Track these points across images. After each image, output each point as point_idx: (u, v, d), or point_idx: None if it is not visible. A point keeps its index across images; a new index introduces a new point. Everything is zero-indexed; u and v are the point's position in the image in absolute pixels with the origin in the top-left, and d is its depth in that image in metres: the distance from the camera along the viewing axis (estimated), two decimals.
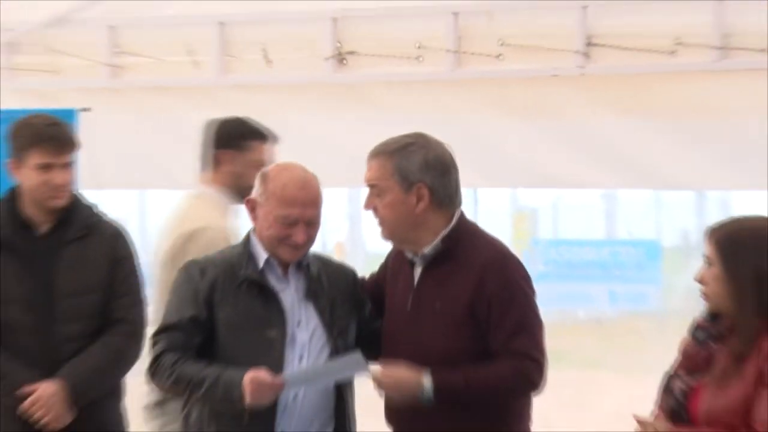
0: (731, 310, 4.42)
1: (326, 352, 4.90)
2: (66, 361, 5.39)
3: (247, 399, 4.63)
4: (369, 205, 4.86)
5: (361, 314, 5.04)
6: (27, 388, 5.31)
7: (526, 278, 4.85)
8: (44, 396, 5.31)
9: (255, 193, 4.97)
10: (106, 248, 5.50)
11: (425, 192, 4.77)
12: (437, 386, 4.66)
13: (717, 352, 4.44)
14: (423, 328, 4.79)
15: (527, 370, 4.72)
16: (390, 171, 4.79)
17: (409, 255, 4.85)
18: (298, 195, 4.92)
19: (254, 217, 4.98)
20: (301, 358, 4.88)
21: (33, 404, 5.29)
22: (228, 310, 4.92)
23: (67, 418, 5.35)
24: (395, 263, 5.01)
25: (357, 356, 4.72)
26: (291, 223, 4.88)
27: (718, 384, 4.38)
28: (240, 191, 5.68)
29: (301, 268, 4.98)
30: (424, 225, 4.80)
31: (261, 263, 4.94)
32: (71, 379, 5.35)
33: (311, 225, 4.93)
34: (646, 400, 4.59)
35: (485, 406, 4.77)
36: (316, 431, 4.89)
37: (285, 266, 4.98)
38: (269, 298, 4.92)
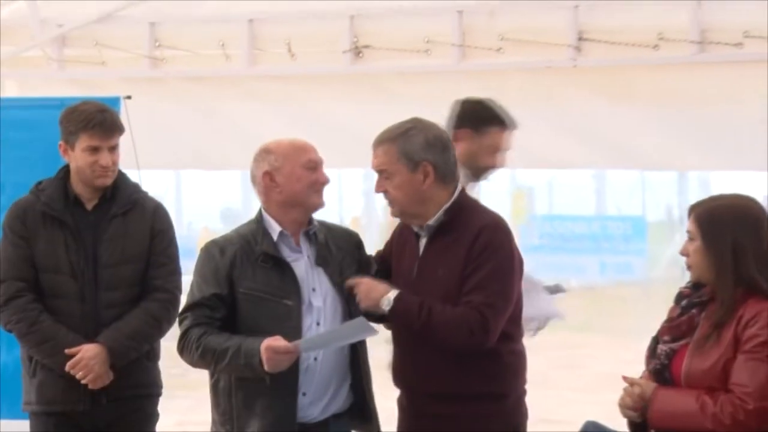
0: (712, 280, 4.42)
1: (340, 314, 4.90)
2: (107, 325, 5.37)
3: (266, 366, 4.62)
4: (380, 188, 4.83)
5: (368, 274, 4.97)
6: (70, 350, 5.31)
7: (510, 249, 4.78)
8: (86, 357, 5.30)
9: (266, 167, 4.89)
10: (147, 222, 5.48)
11: (430, 169, 4.75)
12: (396, 300, 4.68)
13: (699, 319, 4.43)
14: (426, 294, 4.75)
15: (471, 321, 4.64)
16: (396, 155, 4.77)
17: (415, 228, 4.84)
18: (305, 143, 4.95)
19: (276, 186, 4.87)
20: (318, 323, 4.86)
21: (76, 365, 5.29)
22: (247, 283, 4.88)
23: (106, 378, 5.34)
24: (401, 237, 4.99)
25: (362, 321, 4.68)
26: (314, 167, 4.90)
27: (698, 348, 4.37)
28: (473, 171, 5.61)
29: (309, 237, 4.95)
30: (431, 200, 4.78)
31: (275, 236, 4.91)
32: (111, 342, 5.33)
33: (322, 168, 4.96)
34: (632, 362, 4.61)
35: (476, 363, 4.74)
36: (335, 387, 4.88)
37: (296, 237, 4.94)
38: (285, 270, 4.87)
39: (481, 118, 5.67)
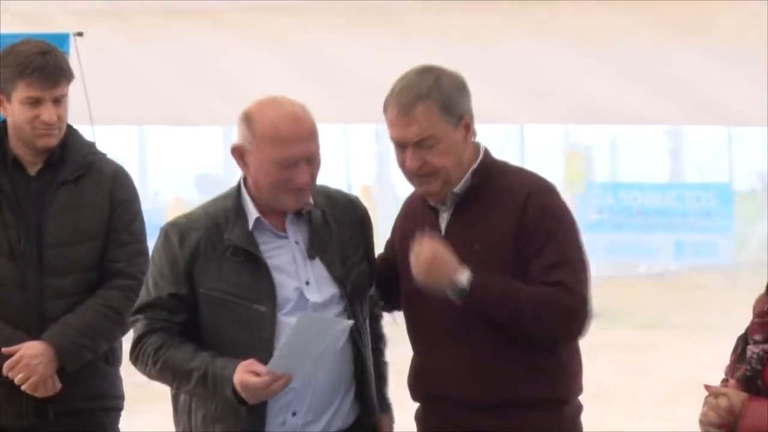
0: None
1: (340, 307, 4.87)
2: (55, 320, 5.40)
3: (246, 399, 4.67)
4: (417, 161, 4.73)
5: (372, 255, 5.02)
6: (7, 349, 5.32)
7: (567, 208, 4.81)
8: (27, 356, 5.31)
9: (239, 138, 4.84)
10: (105, 190, 5.48)
11: (469, 121, 4.77)
12: (476, 279, 4.62)
13: None
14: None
15: (568, 301, 4.68)
16: (437, 113, 4.71)
17: (431, 203, 4.82)
18: (291, 131, 4.79)
19: (244, 166, 4.85)
20: None
21: (14, 365, 5.31)
22: (210, 283, 4.84)
23: (52, 385, 5.37)
24: (406, 224, 4.96)
25: (346, 325, 4.72)
26: (290, 165, 4.77)
27: None
28: None
29: (300, 217, 4.91)
30: (463, 161, 4.80)
31: (251, 223, 4.86)
32: (59, 339, 5.35)
33: (312, 162, 4.82)
34: (713, 366, 4.63)
35: (529, 363, 4.74)
36: (339, 400, 4.89)
37: (281, 220, 4.91)
38: (258, 266, 4.83)
39: None
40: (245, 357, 4.69)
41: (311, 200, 4.89)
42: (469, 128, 4.77)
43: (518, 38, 6.28)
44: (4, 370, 5.31)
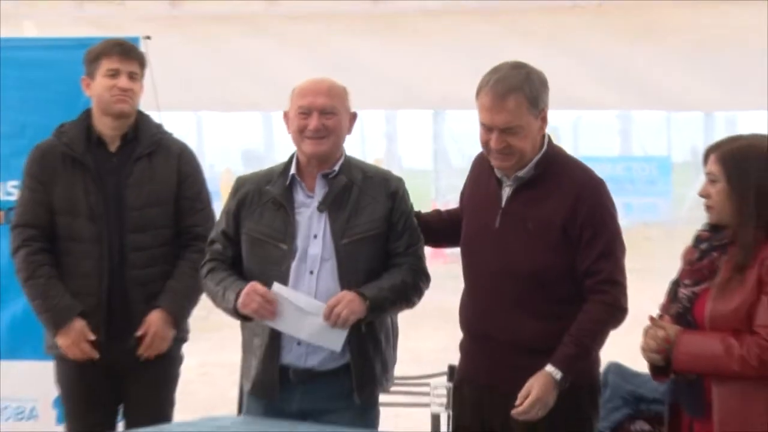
0: (733, 223, 4.41)
1: (333, 261, 4.81)
2: (137, 268, 5.40)
3: (239, 306, 4.69)
4: (501, 143, 4.58)
5: (396, 229, 4.86)
6: (139, 332, 5.36)
7: (614, 205, 4.73)
8: (154, 327, 5.37)
9: (287, 106, 4.88)
10: (173, 165, 5.48)
11: (546, 113, 4.67)
12: (564, 373, 4.51)
13: (719, 262, 4.44)
14: (512, 246, 4.64)
15: (615, 298, 4.61)
16: (526, 106, 4.58)
17: (498, 174, 4.70)
18: (310, 87, 4.81)
19: (288, 128, 4.87)
20: (311, 272, 4.79)
21: (147, 343, 5.37)
22: (250, 224, 4.87)
23: (170, 342, 5.44)
24: (473, 184, 4.88)
25: (341, 337, 4.69)
26: (305, 112, 4.77)
27: (721, 291, 4.38)
28: None
29: (328, 181, 4.85)
30: (536, 146, 4.68)
31: (288, 180, 4.85)
32: (172, 307, 5.41)
33: (325, 114, 4.77)
34: (656, 303, 4.60)
35: (564, 317, 4.63)
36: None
37: (311, 181, 4.85)
38: (288, 215, 4.82)
39: None
40: (265, 286, 4.75)
41: (336, 167, 4.84)
42: (545, 120, 4.66)
43: (504, 40, 6.27)
44: (141, 351, 5.37)
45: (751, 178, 4.39)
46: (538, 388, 4.48)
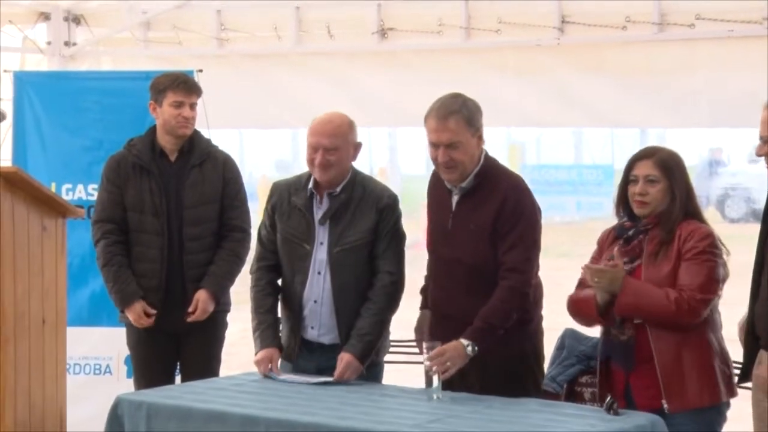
0: (662, 213, 4.43)
1: (327, 265, 4.77)
2: (191, 254, 5.39)
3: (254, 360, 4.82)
4: (446, 157, 4.55)
5: (381, 239, 4.79)
6: (193, 306, 5.36)
7: (534, 207, 4.65)
8: (202, 303, 5.36)
9: None
10: (219, 171, 5.46)
11: (481, 132, 4.62)
12: (474, 344, 4.46)
13: (644, 242, 4.44)
14: (460, 243, 4.60)
15: (517, 283, 4.55)
16: (464, 125, 4.55)
17: (448, 186, 4.65)
18: (317, 128, 4.73)
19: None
20: (319, 272, 4.78)
21: (196, 310, 5.36)
22: (281, 225, 4.85)
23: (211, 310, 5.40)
24: (435, 191, 4.79)
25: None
26: (314, 148, 4.72)
27: (651, 263, 4.40)
28: None
29: (331, 198, 4.79)
30: (474, 160, 4.63)
31: (308, 193, 4.81)
32: (214, 287, 5.38)
33: (329, 151, 4.69)
34: None
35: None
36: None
37: (321, 195, 4.81)
38: (309, 221, 4.79)
39: None
40: (293, 276, 4.81)
41: (339, 188, 4.79)
42: (481, 138, 4.62)
43: (483, 72, 6.24)
44: (189, 319, 5.38)
45: (683, 178, 4.46)
46: (449, 349, 4.45)
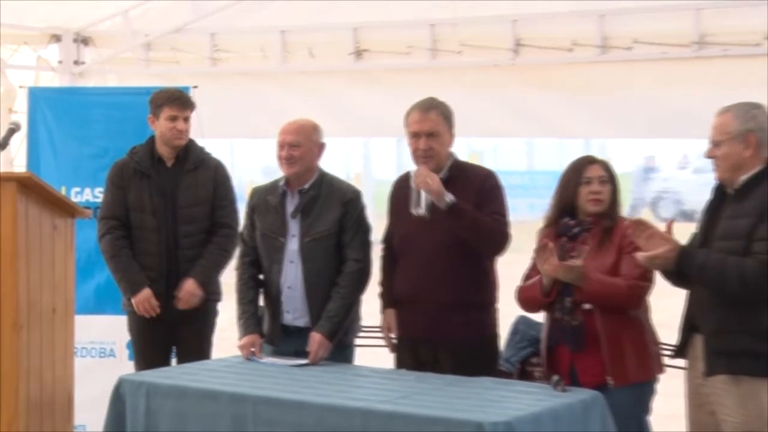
0: (606, 211, 4.49)
1: (299, 254, 4.77)
2: (184, 250, 5.35)
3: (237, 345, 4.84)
4: (426, 145, 4.56)
5: (348, 230, 4.80)
6: (179, 289, 5.31)
7: (500, 186, 4.70)
8: (189, 289, 5.31)
9: None
10: (211, 175, 5.45)
11: (454, 134, 4.66)
12: (456, 200, 4.49)
13: (588, 239, 4.47)
14: (439, 229, 4.54)
15: (500, 229, 4.58)
16: (443, 119, 4.61)
17: (416, 215, 4.57)
18: (284, 128, 4.82)
19: None
20: (291, 261, 4.78)
21: (181, 300, 5.32)
22: (259, 224, 4.87)
23: (199, 297, 5.36)
24: (399, 195, 4.77)
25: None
26: (281, 145, 4.78)
27: (594, 256, 4.41)
28: None
29: (301, 195, 4.81)
30: (447, 155, 4.67)
31: (281, 190, 4.85)
32: (201, 277, 5.34)
33: (293, 147, 4.75)
34: None
35: (475, 278, 4.63)
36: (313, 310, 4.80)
37: (292, 191, 4.82)
38: (283, 216, 4.80)
39: None
40: (271, 266, 4.81)
41: (308, 185, 4.81)
42: (453, 136, 4.66)
43: (448, 89, 6.21)
44: (177, 305, 5.33)
45: (617, 183, 4.56)
46: (438, 182, 4.50)
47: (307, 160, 4.83)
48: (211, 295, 5.45)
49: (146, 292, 5.32)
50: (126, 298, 5.41)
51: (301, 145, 4.79)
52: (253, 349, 4.79)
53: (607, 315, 4.35)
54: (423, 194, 4.51)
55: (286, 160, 4.78)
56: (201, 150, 5.54)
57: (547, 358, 4.56)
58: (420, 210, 4.51)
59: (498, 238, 4.58)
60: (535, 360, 4.80)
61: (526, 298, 4.56)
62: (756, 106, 4.09)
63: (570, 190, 4.56)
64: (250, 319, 4.85)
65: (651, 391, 4.49)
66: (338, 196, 4.83)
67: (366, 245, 4.86)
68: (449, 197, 4.48)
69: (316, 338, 4.69)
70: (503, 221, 4.62)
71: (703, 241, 4.14)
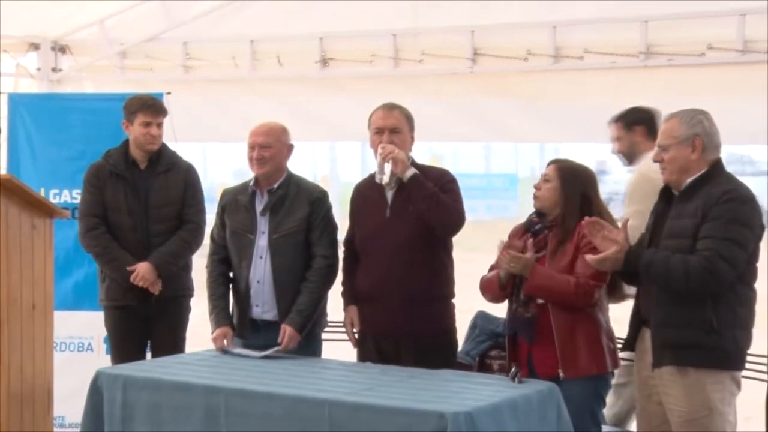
0: (555, 212, 4.45)
1: (268, 250, 4.75)
2: (157, 246, 5.32)
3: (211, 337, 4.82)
4: (388, 141, 4.56)
5: (314, 226, 4.79)
6: (130, 267, 5.25)
7: (456, 182, 4.67)
8: (143, 272, 5.25)
9: None
10: (181, 177, 5.42)
11: (413, 136, 4.69)
12: (416, 173, 4.52)
13: (548, 237, 4.46)
14: (401, 226, 4.56)
15: (458, 211, 4.58)
16: (405, 119, 4.64)
17: (380, 182, 4.58)
18: (255, 130, 4.80)
19: None
20: (261, 257, 4.77)
21: (136, 277, 5.24)
22: (229, 222, 4.86)
23: (157, 285, 5.29)
24: (360, 198, 4.77)
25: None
26: (252, 147, 4.77)
27: (553, 255, 4.42)
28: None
29: (270, 194, 4.80)
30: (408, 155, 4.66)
31: (251, 190, 4.83)
32: (157, 261, 5.28)
33: (263, 148, 4.74)
34: None
35: (434, 270, 4.63)
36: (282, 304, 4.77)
37: (262, 191, 4.81)
38: (253, 214, 4.79)
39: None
40: (240, 262, 4.79)
41: (276, 184, 4.79)
42: (413, 139, 4.67)
43: (409, 96, 6.23)
44: (132, 280, 5.25)
45: (578, 186, 4.45)
46: (403, 156, 4.54)
47: (276, 161, 4.82)
48: (182, 289, 5.43)
49: (141, 267, 5.26)
50: (122, 282, 5.30)
51: (272, 146, 4.78)
52: (225, 340, 4.76)
53: (560, 309, 4.36)
54: (387, 168, 4.51)
55: (257, 160, 4.77)
56: (173, 153, 5.52)
57: (509, 347, 4.57)
58: (384, 177, 4.50)
59: (455, 217, 4.58)
60: (493, 353, 4.82)
61: (486, 288, 4.57)
62: (701, 112, 4.13)
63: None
64: (221, 313, 4.84)
65: (605, 384, 4.47)
66: (305, 195, 4.83)
67: (334, 243, 4.85)
68: (412, 170, 4.52)
69: (287, 330, 4.68)
70: (460, 204, 4.62)
71: (651, 240, 4.18)
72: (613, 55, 6.00)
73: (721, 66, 5.72)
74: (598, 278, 4.33)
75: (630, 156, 5.56)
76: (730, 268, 3.91)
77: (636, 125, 5.46)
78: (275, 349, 4.66)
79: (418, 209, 4.53)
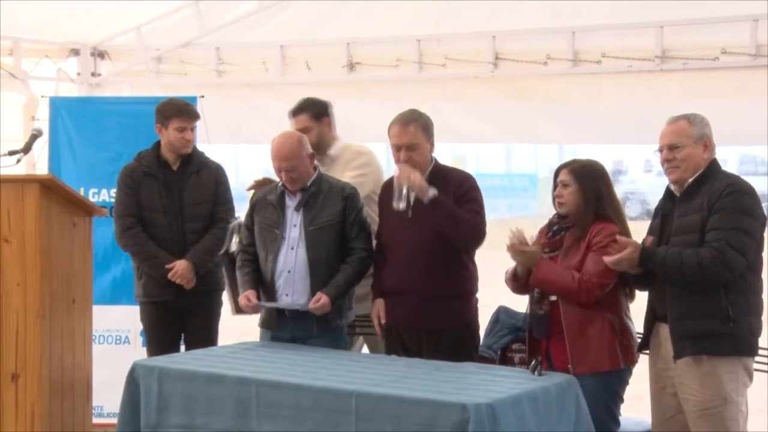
0: (577, 213, 4.42)
1: (303, 240, 4.76)
2: (191, 244, 5.35)
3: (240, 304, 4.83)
4: (406, 157, 4.55)
5: (346, 221, 4.80)
6: (169, 265, 5.29)
7: (478, 188, 4.68)
8: (182, 269, 5.29)
9: None
10: (212, 177, 5.45)
11: (433, 142, 4.66)
12: (439, 193, 4.50)
13: (564, 237, 4.46)
14: (423, 226, 4.56)
15: (478, 224, 4.57)
16: (421, 131, 4.58)
17: (396, 209, 4.58)
18: (275, 153, 4.75)
19: None
20: (292, 248, 4.77)
21: (175, 274, 5.28)
22: (257, 219, 4.86)
23: (193, 281, 5.33)
24: (386, 194, 4.74)
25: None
26: (278, 170, 4.78)
27: (566, 255, 4.41)
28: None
29: (303, 191, 4.81)
30: (428, 161, 4.66)
31: (280, 190, 4.84)
32: (195, 259, 5.32)
33: (289, 171, 4.74)
34: None
35: (455, 270, 4.62)
36: (311, 292, 4.76)
37: (295, 191, 4.83)
38: (279, 211, 4.80)
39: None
40: (266, 255, 4.79)
41: (309, 183, 4.80)
42: (433, 145, 4.64)
43: (433, 99, 6.27)
44: (170, 277, 5.28)
45: (592, 184, 4.43)
46: (421, 180, 4.53)
47: (304, 174, 4.82)
48: (214, 284, 5.44)
49: (179, 264, 5.29)
50: (159, 278, 5.33)
51: (297, 167, 4.76)
52: (251, 299, 4.77)
53: (570, 306, 4.33)
54: (404, 190, 4.52)
55: (289, 182, 4.80)
56: (201, 154, 5.55)
57: (529, 341, 4.57)
58: (401, 204, 4.52)
59: (474, 233, 4.58)
60: (515, 347, 4.81)
61: (508, 279, 4.60)
62: (700, 115, 4.17)
63: (552, 193, 4.59)
64: (248, 282, 4.84)
65: (619, 380, 4.40)
66: (338, 191, 4.84)
67: (369, 238, 4.87)
68: (432, 191, 4.50)
69: (321, 299, 4.68)
70: (480, 218, 4.61)
71: (660, 240, 4.17)
72: (629, 59, 5.98)
73: (734, 69, 5.69)
74: (604, 277, 4.29)
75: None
76: (740, 256, 3.94)
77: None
78: (303, 304, 4.69)
79: (439, 226, 4.54)
